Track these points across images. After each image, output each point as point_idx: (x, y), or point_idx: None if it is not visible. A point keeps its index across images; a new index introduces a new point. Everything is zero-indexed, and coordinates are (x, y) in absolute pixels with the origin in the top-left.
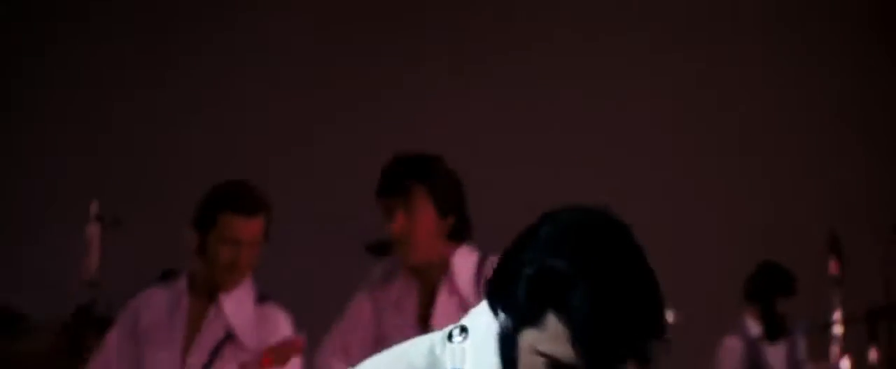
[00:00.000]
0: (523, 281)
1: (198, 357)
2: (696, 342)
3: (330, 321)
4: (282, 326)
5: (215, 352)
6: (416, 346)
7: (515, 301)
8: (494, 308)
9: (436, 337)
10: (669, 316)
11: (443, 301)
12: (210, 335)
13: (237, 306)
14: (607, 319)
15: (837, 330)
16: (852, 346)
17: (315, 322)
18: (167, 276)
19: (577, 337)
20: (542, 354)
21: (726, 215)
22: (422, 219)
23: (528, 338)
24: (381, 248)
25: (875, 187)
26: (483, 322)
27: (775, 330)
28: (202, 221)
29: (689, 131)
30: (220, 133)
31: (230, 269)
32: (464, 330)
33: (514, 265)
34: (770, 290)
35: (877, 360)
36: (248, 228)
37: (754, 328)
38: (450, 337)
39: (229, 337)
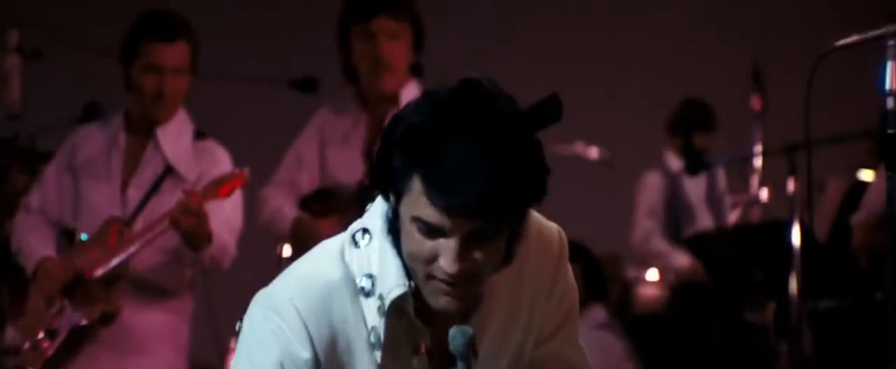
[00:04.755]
0: (391, 147)
1: (137, 190)
2: (620, 176)
3: (269, 161)
4: (221, 160)
5: (155, 186)
6: (328, 255)
7: (389, 171)
8: (378, 190)
9: (344, 240)
10: (592, 153)
11: None
12: (149, 169)
13: (174, 140)
14: (464, 174)
15: (757, 162)
16: (771, 177)
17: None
18: (89, 110)
19: (432, 194)
20: (414, 219)
21: (650, 51)
22: (406, 46)
23: (404, 209)
24: (307, 85)
25: (798, 21)
26: (379, 222)
27: (695, 163)
28: (125, 53)
29: None
30: None
31: (156, 99)
32: (366, 231)
33: (387, 142)
34: (690, 125)
35: (795, 191)
36: (169, 54)
37: (674, 161)
38: (354, 241)
39: (169, 171)
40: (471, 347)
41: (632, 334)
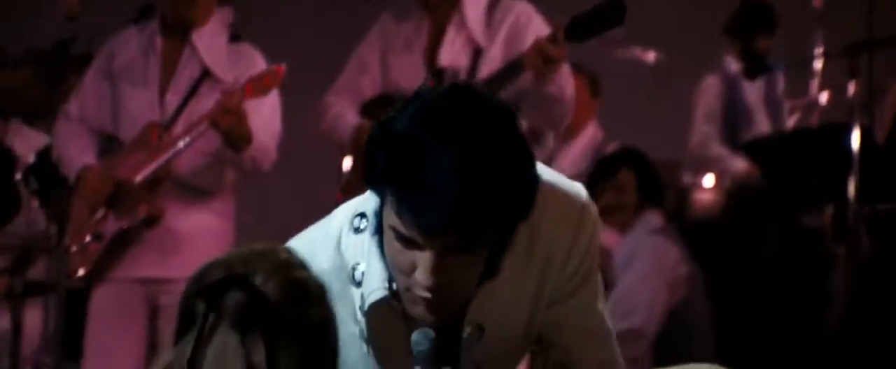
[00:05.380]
0: (375, 153)
1: (175, 95)
2: (677, 80)
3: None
4: (257, 61)
5: (192, 90)
6: (325, 241)
7: (373, 176)
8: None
9: (344, 225)
10: (649, 57)
11: (451, 38)
12: (186, 73)
13: (210, 43)
14: (435, 194)
15: (817, 65)
16: (831, 81)
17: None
18: (146, 12)
19: (401, 211)
20: (390, 227)
21: None
22: None
23: (385, 215)
24: None
25: None
26: (372, 212)
27: (754, 67)
28: None
29: None
30: None
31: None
32: (364, 216)
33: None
34: (750, 27)
35: (855, 94)
36: None
37: (733, 65)
38: (353, 226)
39: (205, 74)
40: (436, 349)
41: (688, 239)
